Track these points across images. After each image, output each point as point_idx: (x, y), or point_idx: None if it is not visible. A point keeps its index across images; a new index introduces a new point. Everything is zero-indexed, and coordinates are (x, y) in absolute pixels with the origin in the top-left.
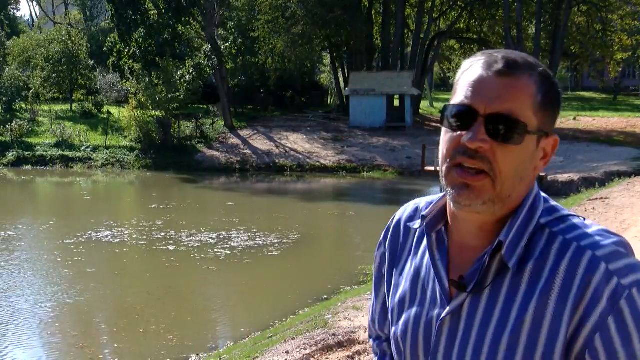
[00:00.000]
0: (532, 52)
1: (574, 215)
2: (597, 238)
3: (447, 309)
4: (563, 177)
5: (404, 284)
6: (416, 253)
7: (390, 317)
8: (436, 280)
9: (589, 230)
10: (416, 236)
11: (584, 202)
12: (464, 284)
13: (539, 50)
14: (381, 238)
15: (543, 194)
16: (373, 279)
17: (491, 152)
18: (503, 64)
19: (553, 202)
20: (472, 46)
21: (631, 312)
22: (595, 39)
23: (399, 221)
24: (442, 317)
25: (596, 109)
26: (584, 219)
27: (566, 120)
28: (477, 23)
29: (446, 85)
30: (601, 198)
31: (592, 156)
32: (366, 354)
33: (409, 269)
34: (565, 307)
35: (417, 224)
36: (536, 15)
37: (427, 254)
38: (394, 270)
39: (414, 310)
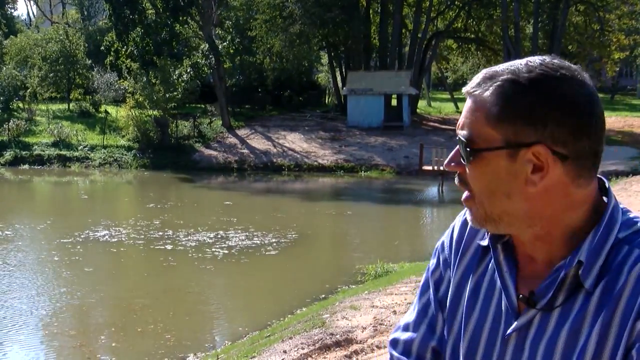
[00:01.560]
0: (529, 51)
1: None
2: None
3: (515, 324)
4: None
5: (464, 302)
6: (477, 268)
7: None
8: (503, 294)
9: None
10: (478, 251)
11: None
12: (535, 300)
13: (537, 50)
14: (447, 248)
15: (622, 206)
16: (421, 287)
17: (465, 174)
18: (471, 84)
19: (632, 214)
20: (470, 46)
21: None
22: (592, 39)
23: (462, 235)
24: (508, 333)
25: None
26: None
27: None
28: (474, 23)
29: (444, 85)
30: None
31: None
32: (363, 353)
33: (469, 285)
34: (627, 322)
35: (485, 240)
36: (534, 14)
37: (490, 268)
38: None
39: (471, 327)
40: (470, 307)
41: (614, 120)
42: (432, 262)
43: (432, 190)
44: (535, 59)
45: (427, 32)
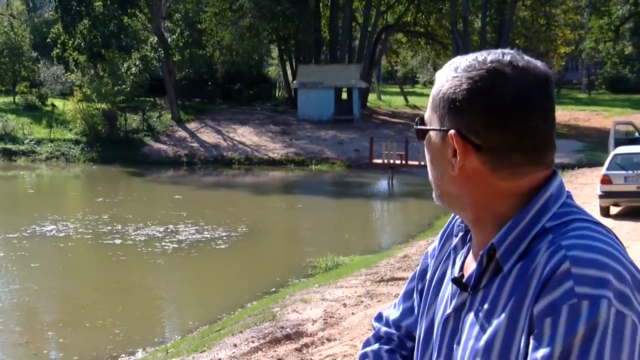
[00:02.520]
0: (478, 46)
1: (585, 220)
2: (584, 242)
3: (451, 306)
4: None
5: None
6: (450, 256)
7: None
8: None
9: (584, 233)
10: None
11: None
12: (465, 283)
13: (485, 44)
14: (438, 238)
15: (569, 200)
16: (415, 275)
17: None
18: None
19: (573, 207)
20: (419, 40)
21: (568, 320)
22: (539, 33)
23: (451, 226)
24: (447, 314)
25: None
26: (599, 224)
27: None
28: (424, 17)
29: (393, 79)
30: None
31: None
32: (314, 346)
33: (437, 273)
34: (532, 306)
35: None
36: (482, 9)
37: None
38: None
39: (431, 311)
40: (433, 294)
41: (560, 114)
42: (429, 250)
43: (382, 184)
44: (483, 53)
45: (377, 25)
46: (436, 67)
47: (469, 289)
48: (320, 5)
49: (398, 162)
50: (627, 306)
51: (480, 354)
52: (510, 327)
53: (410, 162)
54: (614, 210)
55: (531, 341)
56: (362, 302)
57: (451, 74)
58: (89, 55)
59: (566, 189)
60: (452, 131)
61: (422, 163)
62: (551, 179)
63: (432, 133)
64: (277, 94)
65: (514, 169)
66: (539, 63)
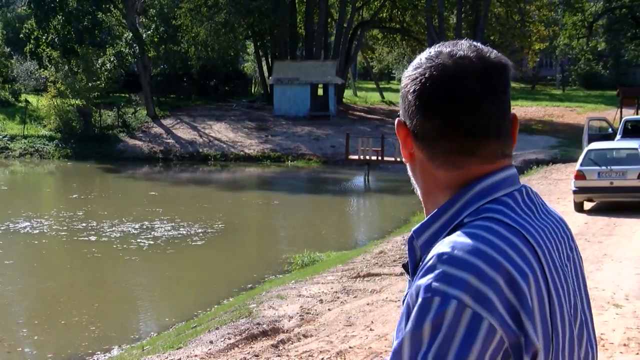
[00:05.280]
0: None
1: (491, 219)
2: (462, 239)
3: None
4: None
5: None
6: None
7: None
8: None
9: (472, 231)
10: None
11: None
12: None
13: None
14: None
15: (503, 197)
16: None
17: None
18: None
19: (501, 204)
20: (395, 36)
21: (417, 314)
22: (514, 29)
23: None
24: (403, 299)
25: (515, 98)
26: (504, 225)
27: None
28: (399, 13)
29: (369, 75)
30: None
31: None
32: (290, 342)
33: None
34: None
35: None
36: (457, 5)
37: None
38: None
39: None
40: None
41: (534, 110)
42: None
43: (358, 180)
44: (439, 44)
45: (352, 21)
46: None
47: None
48: (296, 1)
49: (374, 158)
50: (487, 309)
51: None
52: (403, 315)
53: (386, 158)
54: (587, 205)
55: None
56: (338, 298)
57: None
58: (63, 51)
59: (518, 185)
60: (397, 119)
61: (398, 159)
62: (492, 174)
63: (399, 121)
64: (253, 90)
65: (445, 157)
66: (491, 54)
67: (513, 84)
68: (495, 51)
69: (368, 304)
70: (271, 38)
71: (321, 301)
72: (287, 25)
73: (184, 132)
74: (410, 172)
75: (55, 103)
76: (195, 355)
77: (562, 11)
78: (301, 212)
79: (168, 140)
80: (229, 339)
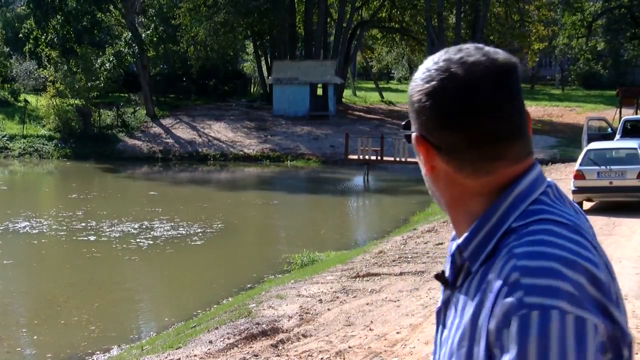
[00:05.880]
0: (452, 42)
1: (547, 221)
2: (535, 248)
3: (440, 302)
4: None
5: None
6: None
7: None
8: None
9: (538, 238)
10: None
11: None
12: (446, 280)
13: (460, 40)
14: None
15: (543, 197)
16: None
17: None
18: None
19: (544, 204)
20: (394, 35)
21: (519, 332)
22: (513, 29)
23: None
24: (437, 308)
25: None
26: (563, 224)
27: None
28: (398, 12)
29: (368, 74)
30: None
31: None
32: (290, 342)
33: None
34: (488, 317)
35: None
36: (456, 5)
37: None
38: None
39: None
40: None
41: (534, 110)
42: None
43: (358, 180)
44: (442, 52)
45: (352, 21)
46: (411, 63)
47: (449, 286)
48: (295, 1)
49: (373, 158)
50: (585, 309)
51: (455, 354)
52: (471, 332)
53: (385, 158)
54: (587, 205)
55: (496, 353)
56: (337, 297)
57: (415, 76)
58: (62, 50)
59: (546, 182)
60: (414, 134)
61: (398, 159)
62: (523, 175)
63: (412, 136)
64: (252, 90)
65: (474, 166)
66: (499, 55)
67: None
68: (500, 51)
69: (367, 304)
70: (270, 38)
71: (320, 301)
72: (286, 25)
73: (183, 132)
74: (430, 184)
75: (55, 103)
76: (195, 355)
77: (562, 11)
78: (300, 212)
79: (167, 140)
80: (229, 338)
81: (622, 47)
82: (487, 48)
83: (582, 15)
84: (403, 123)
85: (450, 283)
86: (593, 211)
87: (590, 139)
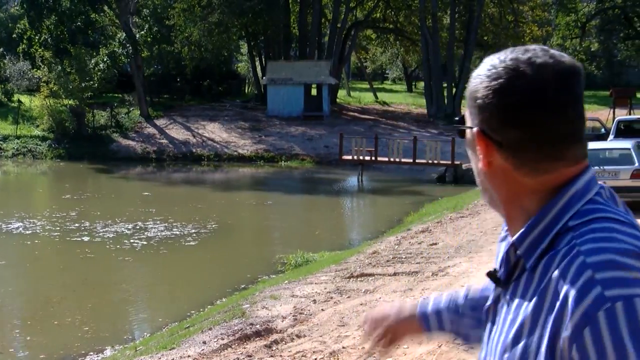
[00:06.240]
0: (446, 42)
1: (606, 219)
2: (601, 245)
3: (490, 300)
4: None
5: None
6: None
7: None
8: None
9: (602, 235)
10: None
11: None
12: (498, 278)
13: (454, 40)
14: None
15: (596, 197)
16: None
17: None
18: None
19: (599, 204)
20: (389, 36)
21: (609, 325)
22: (507, 30)
23: None
24: (486, 306)
25: None
26: (621, 222)
27: None
28: (393, 13)
29: (363, 75)
30: None
31: None
32: (283, 342)
33: None
34: (551, 314)
35: None
36: (451, 5)
37: None
38: None
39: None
40: None
41: None
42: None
43: (352, 180)
44: (508, 51)
45: (346, 22)
46: (405, 64)
47: (501, 284)
48: (290, 1)
49: (368, 158)
50: None
51: (508, 350)
52: (531, 329)
53: (379, 159)
54: None
55: (575, 355)
56: (331, 298)
57: (477, 73)
58: (56, 51)
59: (599, 184)
60: (475, 129)
61: (392, 159)
62: (579, 176)
63: (467, 130)
64: (246, 90)
65: (534, 165)
66: (565, 58)
67: None
68: (565, 55)
69: (361, 304)
70: (265, 38)
71: (314, 301)
72: (280, 25)
73: (178, 133)
74: (484, 179)
75: (48, 103)
76: (188, 356)
77: (556, 12)
78: (295, 212)
79: (161, 141)
80: (222, 339)
81: (615, 47)
82: (552, 51)
83: (576, 16)
84: (457, 118)
85: (503, 281)
86: None
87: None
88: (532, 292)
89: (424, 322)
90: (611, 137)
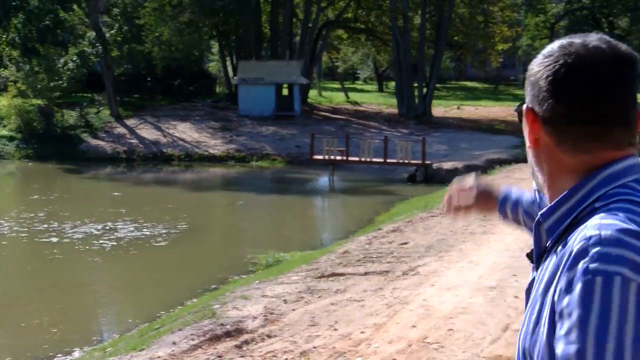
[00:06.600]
0: (417, 42)
1: (629, 201)
2: (609, 221)
3: (528, 282)
4: (447, 165)
5: None
6: None
7: None
8: None
9: (615, 214)
10: None
11: None
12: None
13: (424, 40)
14: None
15: (631, 182)
16: None
17: None
18: None
19: (630, 188)
20: (360, 36)
21: (582, 298)
22: (477, 30)
23: None
24: (526, 287)
25: (479, 99)
26: (638, 203)
27: (450, 109)
28: (364, 13)
29: (334, 75)
30: None
31: (475, 144)
32: (254, 342)
33: None
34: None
35: None
36: (421, 6)
37: None
38: None
39: None
40: None
41: (497, 110)
42: None
43: (323, 180)
44: (575, 35)
45: (317, 21)
46: (376, 63)
47: (534, 263)
48: (261, 1)
49: (339, 158)
50: None
51: (529, 336)
52: (541, 305)
53: (351, 158)
54: None
55: (557, 319)
56: (302, 298)
57: (539, 54)
58: (24, 50)
59: None
60: (525, 105)
61: (363, 159)
62: (618, 160)
63: (525, 108)
64: (217, 90)
65: (575, 142)
66: (621, 45)
67: (475, 84)
68: (624, 44)
69: (332, 304)
70: (236, 38)
71: (285, 301)
72: (252, 25)
73: (148, 132)
74: (532, 159)
75: (16, 103)
76: (158, 357)
77: (525, 12)
78: (266, 212)
79: (132, 141)
80: (193, 340)
81: None
82: (611, 39)
83: (545, 16)
84: (519, 104)
85: (535, 259)
86: None
87: None
88: (548, 272)
89: (501, 206)
90: None
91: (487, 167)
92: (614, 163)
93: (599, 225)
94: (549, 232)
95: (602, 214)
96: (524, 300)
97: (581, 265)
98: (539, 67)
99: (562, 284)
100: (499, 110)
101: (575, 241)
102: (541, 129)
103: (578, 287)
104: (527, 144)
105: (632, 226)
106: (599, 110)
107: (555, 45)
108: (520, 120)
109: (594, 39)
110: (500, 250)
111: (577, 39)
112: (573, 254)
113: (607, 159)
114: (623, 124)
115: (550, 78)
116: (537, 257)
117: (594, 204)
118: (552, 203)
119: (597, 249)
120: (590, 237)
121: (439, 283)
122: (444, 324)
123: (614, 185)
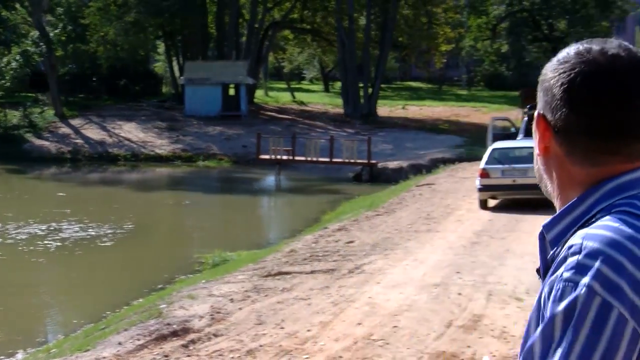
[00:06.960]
0: (363, 42)
1: (625, 212)
2: (595, 231)
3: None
4: (393, 164)
5: None
6: None
7: None
8: None
9: (608, 224)
10: None
11: (412, 188)
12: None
13: (369, 41)
14: None
15: (639, 194)
16: None
17: None
18: None
19: (635, 200)
20: (306, 36)
21: (551, 304)
22: (421, 31)
23: None
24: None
25: (423, 99)
26: (635, 215)
27: (395, 109)
28: (310, 14)
29: (280, 75)
30: (428, 184)
31: (420, 144)
32: (201, 341)
33: None
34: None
35: None
36: (366, 7)
37: None
38: None
39: None
40: None
41: (441, 110)
42: None
43: (270, 179)
44: (592, 40)
45: (264, 22)
46: (322, 64)
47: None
48: (207, 1)
49: (285, 157)
50: (616, 297)
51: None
52: (537, 317)
53: (297, 158)
54: (492, 202)
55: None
56: (249, 297)
57: (554, 58)
58: None
59: None
60: (536, 111)
61: (309, 159)
62: (629, 172)
63: (536, 114)
64: (163, 90)
65: (585, 153)
66: None
67: (420, 85)
68: None
69: (279, 303)
70: (182, 38)
71: (232, 300)
72: (198, 25)
73: (93, 132)
74: (540, 167)
75: None
76: (104, 358)
77: (468, 14)
78: (212, 212)
79: (77, 141)
80: (138, 340)
81: (524, 49)
82: (631, 46)
83: (487, 18)
84: (528, 106)
85: (542, 274)
86: (498, 209)
87: (495, 139)
88: (545, 286)
89: None
90: (520, 136)
91: (431, 166)
92: (622, 175)
93: (585, 235)
94: (552, 243)
95: (595, 224)
96: (467, 297)
97: (559, 273)
98: (553, 73)
99: (546, 289)
100: (443, 110)
101: (564, 249)
102: (552, 137)
103: (552, 293)
104: (536, 151)
105: (615, 235)
106: (616, 121)
107: (571, 51)
108: (530, 123)
109: (613, 45)
110: (444, 248)
111: (595, 45)
112: (557, 261)
113: (617, 171)
114: (637, 136)
115: (565, 86)
116: (543, 271)
117: (597, 215)
118: (556, 214)
119: (574, 258)
120: (572, 246)
121: (384, 281)
122: (389, 321)
123: (620, 196)
